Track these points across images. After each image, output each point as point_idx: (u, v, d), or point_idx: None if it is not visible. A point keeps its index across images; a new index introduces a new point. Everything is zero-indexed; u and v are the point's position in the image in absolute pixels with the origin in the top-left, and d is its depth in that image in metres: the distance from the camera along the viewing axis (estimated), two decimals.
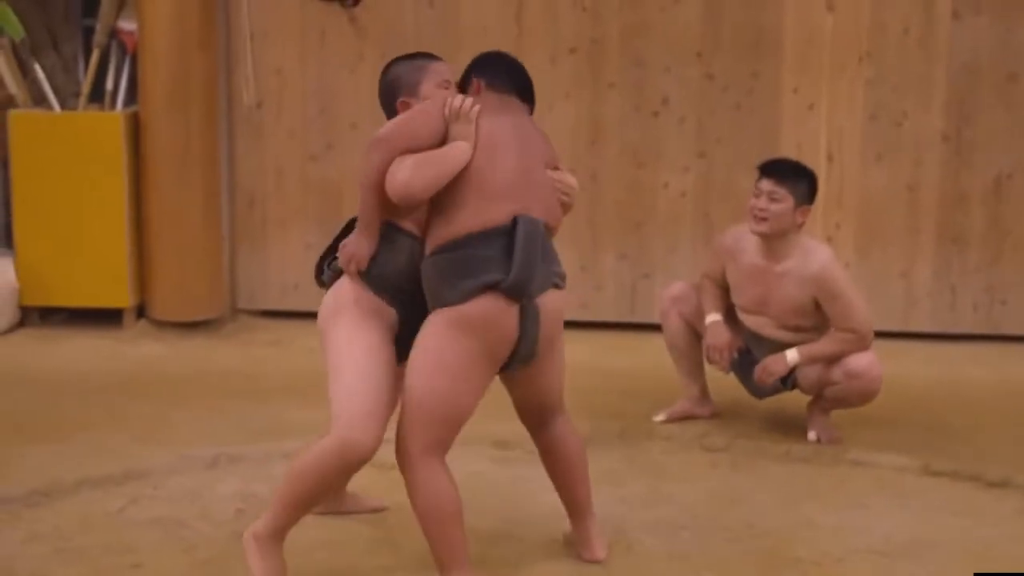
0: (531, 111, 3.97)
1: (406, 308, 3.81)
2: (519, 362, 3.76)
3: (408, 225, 3.81)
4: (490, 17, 6.36)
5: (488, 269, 3.63)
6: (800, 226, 4.93)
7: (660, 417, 5.29)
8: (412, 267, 3.79)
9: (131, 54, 6.48)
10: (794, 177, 4.92)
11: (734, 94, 6.41)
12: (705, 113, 6.44)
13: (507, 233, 3.66)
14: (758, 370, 5.00)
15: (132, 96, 6.51)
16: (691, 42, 6.39)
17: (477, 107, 3.75)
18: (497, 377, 3.86)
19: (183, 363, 6.02)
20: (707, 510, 4.46)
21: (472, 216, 3.67)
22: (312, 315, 6.30)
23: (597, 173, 6.47)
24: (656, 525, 4.32)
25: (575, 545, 4.10)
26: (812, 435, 5.07)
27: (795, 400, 5.18)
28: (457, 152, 3.70)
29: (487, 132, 3.74)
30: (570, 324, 5.43)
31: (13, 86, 6.49)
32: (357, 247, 3.78)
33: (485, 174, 3.70)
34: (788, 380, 5.05)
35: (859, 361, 4.89)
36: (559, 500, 4.11)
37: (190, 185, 6.37)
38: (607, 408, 5.40)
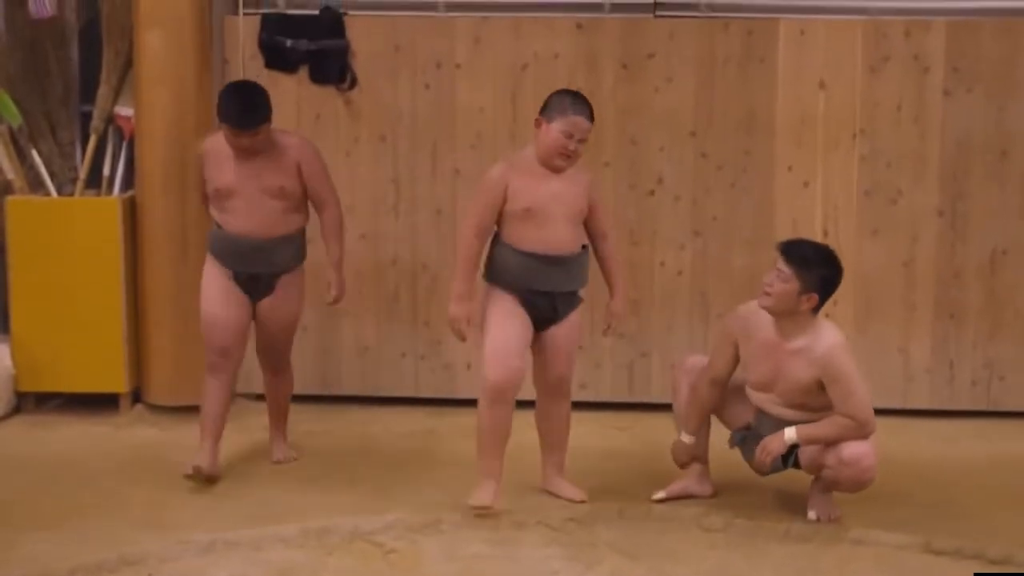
0: None
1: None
2: None
3: None
4: (486, 98, 6.39)
5: None
6: (809, 311, 4.91)
7: (659, 495, 5.25)
8: None
9: (128, 139, 6.52)
10: (806, 263, 4.90)
11: (729, 172, 6.43)
12: (700, 191, 6.46)
13: None
14: (758, 450, 4.97)
15: (129, 181, 6.53)
16: (685, 121, 6.42)
17: None
18: None
19: (179, 448, 5.97)
20: None
21: None
22: (308, 398, 6.35)
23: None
24: None
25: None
26: (812, 514, 5.04)
27: (795, 478, 5.15)
28: None
29: None
30: None
31: (10, 172, 6.50)
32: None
33: None
34: (790, 458, 5.02)
35: (853, 449, 4.84)
36: None
37: (187, 269, 6.35)
38: (605, 487, 5.37)
